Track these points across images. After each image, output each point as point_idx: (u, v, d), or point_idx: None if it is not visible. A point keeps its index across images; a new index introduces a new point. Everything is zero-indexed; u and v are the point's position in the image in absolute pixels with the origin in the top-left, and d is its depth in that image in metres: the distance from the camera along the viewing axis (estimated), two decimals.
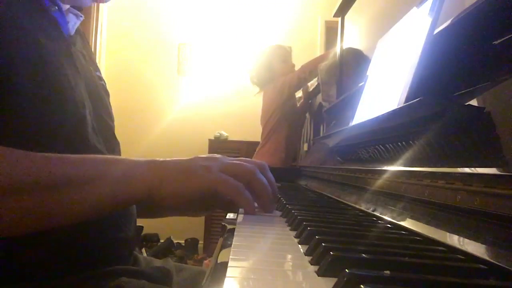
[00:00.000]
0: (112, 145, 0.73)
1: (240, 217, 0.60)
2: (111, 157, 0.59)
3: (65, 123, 0.58)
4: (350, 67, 1.62)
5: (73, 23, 0.68)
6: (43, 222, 0.49)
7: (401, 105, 0.58)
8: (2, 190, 0.46)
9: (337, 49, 1.72)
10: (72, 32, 0.69)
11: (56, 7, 0.64)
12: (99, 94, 0.71)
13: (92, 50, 3.35)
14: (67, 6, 0.68)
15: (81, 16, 0.71)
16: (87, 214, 0.52)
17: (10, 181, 0.46)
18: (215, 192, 0.55)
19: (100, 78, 0.75)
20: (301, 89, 2.42)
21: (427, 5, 0.65)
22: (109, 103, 0.76)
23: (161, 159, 0.57)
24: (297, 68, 2.40)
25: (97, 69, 0.76)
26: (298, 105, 2.49)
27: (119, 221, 0.67)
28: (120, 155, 0.75)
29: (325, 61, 2.02)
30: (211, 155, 0.60)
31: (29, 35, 0.56)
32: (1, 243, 0.52)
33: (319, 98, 2.08)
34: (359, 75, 1.27)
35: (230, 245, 0.42)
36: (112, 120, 0.75)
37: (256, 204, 0.61)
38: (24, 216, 0.48)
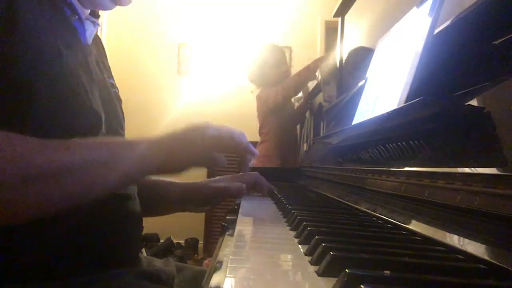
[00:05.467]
0: None
1: (240, 217, 0.60)
2: (118, 140, 0.63)
3: (79, 134, 0.59)
4: (350, 65, 1.61)
5: (90, 31, 0.69)
6: (64, 204, 0.52)
7: (401, 105, 0.58)
8: (26, 177, 0.47)
9: (337, 49, 1.72)
10: (90, 41, 0.70)
11: (76, 16, 0.65)
12: (112, 102, 0.72)
13: None
14: (87, 12, 0.69)
15: (97, 24, 0.72)
16: (105, 192, 0.56)
17: (35, 168, 0.48)
18: (215, 150, 0.64)
19: (113, 86, 0.76)
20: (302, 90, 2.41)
21: (427, 5, 0.65)
22: (122, 110, 0.78)
23: (156, 136, 0.62)
24: (293, 69, 2.39)
25: (110, 76, 0.77)
26: (296, 106, 2.48)
27: (125, 224, 0.67)
28: None
29: (310, 73, 2.05)
30: (201, 121, 0.66)
31: (51, 45, 0.57)
32: (6, 243, 0.53)
33: (319, 98, 2.08)
34: (359, 74, 1.27)
35: (230, 245, 0.42)
36: (123, 129, 0.77)
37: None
38: (48, 200, 0.49)
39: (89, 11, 0.70)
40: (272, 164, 2.25)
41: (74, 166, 0.51)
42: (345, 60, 1.67)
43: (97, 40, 0.76)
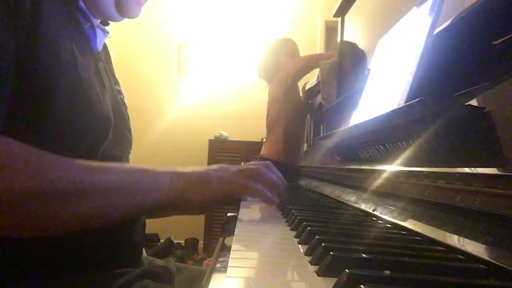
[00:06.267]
0: (127, 154, 0.76)
1: (241, 217, 0.60)
2: (140, 167, 0.61)
3: (88, 137, 0.60)
4: (349, 65, 1.61)
5: (100, 39, 0.71)
6: (77, 225, 0.52)
7: (401, 105, 0.58)
8: (46, 195, 0.47)
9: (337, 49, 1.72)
10: (100, 48, 0.71)
11: (89, 24, 0.66)
12: (119, 109, 0.74)
13: None
14: (98, 21, 0.71)
15: (107, 32, 0.74)
16: (117, 218, 0.56)
17: (53, 187, 0.48)
18: (228, 196, 0.63)
19: (119, 92, 0.78)
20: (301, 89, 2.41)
21: (427, 5, 0.65)
22: (128, 116, 0.79)
23: (181, 168, 0.63)
24: None
25: (117, 82, 0.79)
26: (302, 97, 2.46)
27: (128, 226, 0.67)
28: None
29: (326, 60, 2.01)
30: (220, 165, 0.67)
31: (68, 50, 0.58)
32: (11, 241, 0.53)
33: (319, 98, 2.08)
34: (359, 74, 1.27)
35: (230, 246, 0.42)
36: (130, 134, 0.78)
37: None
38: (65, 218, 0.50)
39: (99, 20, 0.71)
40: (278, 152, 2.24)
41: (97, 189, 0.52)
42: (345, 60, 1.67)
43: (105, 48, 0.77)
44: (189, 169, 0.63)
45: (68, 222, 0.50)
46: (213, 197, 0.62)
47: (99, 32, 0.70)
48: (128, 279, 0.61)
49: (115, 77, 0.79)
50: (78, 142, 0.58)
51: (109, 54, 0.81)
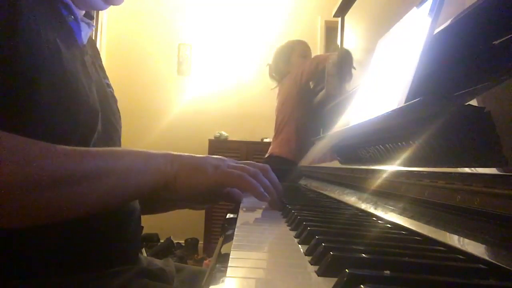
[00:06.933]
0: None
1: (240, 217, 0.60)
2: (131, 150, 0.61)
3: (77, 131, 0.59)
4: (349, 66, 1.61)
5: (85, 32, 0.70)
6: (69, 213, 0.52)
7: (401, 105, 0.58)
8: (38, 183, 0.47)
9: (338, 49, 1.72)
10: (85, 41, 0.70)
11: (73, 17, 0.65)
12: (108, 102, 0.73)
13: None
14: (82, 13, 0.70)
15: (92, 25, 0.72)
16: (111, 203, 0.56)
17: (48, 174, 0.47)
18: (222, 185, 0.63)
19: (109, 85, 0.77)
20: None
21: (427, 5, 0.65)
22: (118, 109, 0.78)
23: (178, 153, 0.62)
24: None
25: (105, 76, 0.78)
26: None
27: (125, 221, 0.67)
28: None
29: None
30: (220, 157, 0.67)
31: (51, 43, 0.57)
32: (8, 240, 0.53)
33: (319, 97, 2.08)
34: (359, 74, 1.27)
35: (230, 245, 0.42)
36: (119, 128, 0.77)
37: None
38: (59, 206, 0.50)
39: (84, 12, 0.71)
40: (291, 151, 2.23)
41: (87, 174, 0.51)
42: (345, 60, 1.67)
43: (91, 41, 0.76)
44: (186, 154, 0.63)
45: (59, 210, 0.50)
46: (205, 184, 0.61)
47: (83, 26, 0.69)
48: (126, 278, 0.61)
49: (104, 71, 0.78)
50: (67, 136, 0.57)
51: (97, 49, 0.80)
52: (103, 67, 0.79)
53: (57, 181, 0.48)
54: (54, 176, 0.48)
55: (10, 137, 0.47)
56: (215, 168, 0.62)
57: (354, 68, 1.50)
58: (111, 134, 0.71)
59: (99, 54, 0.80)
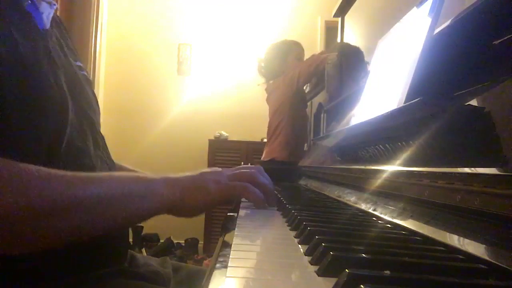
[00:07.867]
0: (96, 140, 0.70)
1: (241, 217, 0.60)
2: (131, 175, 0.60)
3: (48, 127, 0.56)
4: (350, 65, 1.61)
5: (47, 13, 0.63)
6: (71, 239, 0.51)
7: (401, 105, 0.58)
8: (38, 211, 0.46)
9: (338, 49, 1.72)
10: (47, 25, 0.63)
11: (30, 1, 0.59)
12: (80, 87, 0.68)
13: (92, 50, 3.36)
14: None
15: (54, 4, 0.65)
16: (112, 229, 0.55)
17: (42, 203, 0.46)
18: (227, 199, 0.65)
19: (81, 68, 0.72)
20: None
21: (427, 5, 0.65)
22: (93, 93, 0.74)
23: (173, 175, 0.62)
24: None
25: (77, 59, 0.73)
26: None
27: None
28: (106, 149, 0.74)
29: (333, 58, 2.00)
30: (213, 169, 0.68)
31: (5, 37, 0.53)
32: None
33: (319, 98, 2.08)
34: (359, 75, 1.27)
35: (230, 245, 0.42)
36: (96, 113, 0.73)
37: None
38: (57, 234, 0.49)
39: None
40: (290, 154, 2.23)
41: (85, 201, 0.50)
42: (345, 60, 1.67)
43: (57, 21, 0.70)
44: (181, 174, 0.63)
45: (60, 237, 0.49)
46: (210, 203, 0.62)
47: (44, 6, 0.62)
48: (121, 281, 0.60)
49: (74, 53, 0.73)
50: (37, 134, 0.55)
51: (65, 28, 0.74)
52: (72, 48, 0.73)
53: (56, 210, 0.47)
54: (54, 205, 0.47)
55: (8, 165, 0.45)
56: (216, 184, 0.63)
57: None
58: (86, 125, 0.67)
59: (67, 33, 0.74)
